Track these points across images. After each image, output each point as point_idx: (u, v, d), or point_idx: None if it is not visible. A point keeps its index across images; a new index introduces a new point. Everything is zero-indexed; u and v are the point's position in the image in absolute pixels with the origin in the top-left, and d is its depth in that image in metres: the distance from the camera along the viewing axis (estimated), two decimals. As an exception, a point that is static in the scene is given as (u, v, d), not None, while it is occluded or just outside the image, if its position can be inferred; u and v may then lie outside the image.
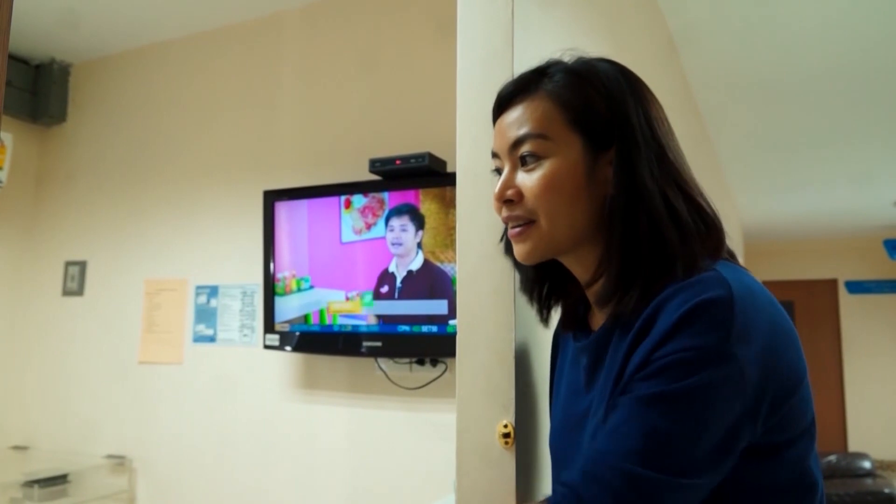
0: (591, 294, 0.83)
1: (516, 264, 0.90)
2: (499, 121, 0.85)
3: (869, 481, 4.28)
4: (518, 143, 0.80)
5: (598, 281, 0.79)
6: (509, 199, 0.81)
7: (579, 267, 0.84)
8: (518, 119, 0.81)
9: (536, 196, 0.78)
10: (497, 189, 0.81)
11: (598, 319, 0.85)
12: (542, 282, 0.90)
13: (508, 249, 0.89)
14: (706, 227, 0.77)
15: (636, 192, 0.75)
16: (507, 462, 0.93)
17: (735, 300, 0.66)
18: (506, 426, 0.94)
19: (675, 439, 0.65)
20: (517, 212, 0.81)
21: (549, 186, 0.78)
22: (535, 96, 0.81)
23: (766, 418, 0.68)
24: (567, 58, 0.84)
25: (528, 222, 0.80)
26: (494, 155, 0.85)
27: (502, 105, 0.84)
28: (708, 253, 0.75)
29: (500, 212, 0.84)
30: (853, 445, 7.02)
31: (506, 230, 0.90)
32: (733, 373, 0.65)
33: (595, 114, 0.79)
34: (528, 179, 0.79)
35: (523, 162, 0.80)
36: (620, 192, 0.76)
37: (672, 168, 0.78)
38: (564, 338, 0.95)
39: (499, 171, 0.85)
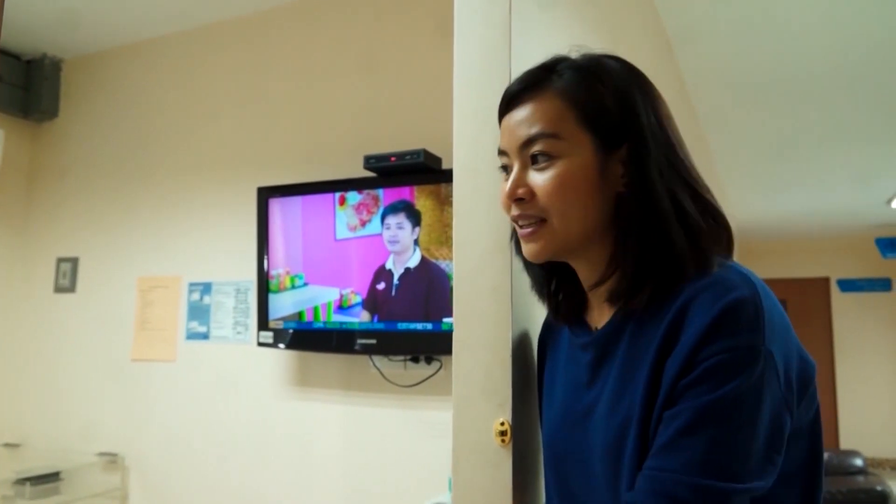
0: (601, 292, 0.82)
1: (526, 265, 0.90)
2: (506, 118, 0.83)
3: (861, 479, 4.30)
4: (529, 142, 0.79)
5: (608, 280, 0.80)
6: (520, 198, 0.80)
7: (587, 267, 0.84)
8: (528, 117, 0.80)
9: (549, 195, 0.78)
10: (507, 187, 0.80)
11: (599, 315, 0.85)
12: (551, 278, 0.90)
13: (519, 250, 0.89)
14: (716, 225, 0.78)
15: (646, 193, 0.76)
16: (503, 460, 0.93)
17: (760, 297, 0.69)
18: (503, 424, 0.94)
19: (734, 445, 0.66)
20: (528, 210, 0.80)
21: (561, 186, 0.77)
22: (545, 94, 0.80)
23: (796, 407, 0.71)
24: (574, 54, 0.83)
25: (538, 221, 0.80)
26: (501, 152, 0.84)
27: (510, 102, 0.83)
28: (721, 250, 0.77)
29: (508, 210, 0.83)
30: (845, 443, 7.06)
31: (515, 230, 0.90)
32: (771, 369, 0.67)
33: (606, 112, 0.78)
34: (539, 179, 0.79)
35: (534, 161, 0.79)
36: (631, 192, 0.77)
37: (682, 166, 0.79)
38: (556, 334, 0.94)
39: (505, 168, 0.84)
